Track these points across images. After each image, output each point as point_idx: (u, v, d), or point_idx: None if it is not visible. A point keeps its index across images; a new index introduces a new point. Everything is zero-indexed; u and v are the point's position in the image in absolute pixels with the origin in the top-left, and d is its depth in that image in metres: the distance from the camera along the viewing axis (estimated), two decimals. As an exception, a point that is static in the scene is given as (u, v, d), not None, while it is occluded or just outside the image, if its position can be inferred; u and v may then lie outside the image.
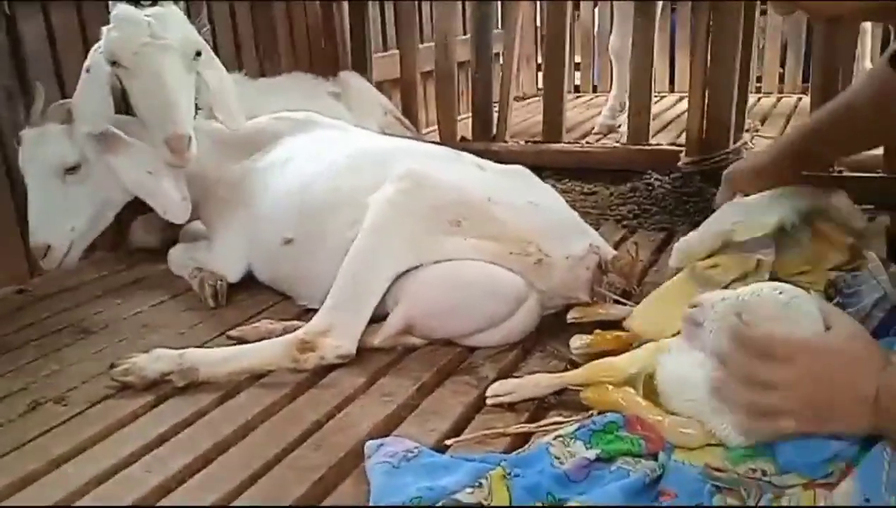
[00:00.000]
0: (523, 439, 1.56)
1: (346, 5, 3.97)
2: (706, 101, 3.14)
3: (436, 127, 3.91)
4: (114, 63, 2.29)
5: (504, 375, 1.83)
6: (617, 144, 3.60)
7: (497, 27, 4.20)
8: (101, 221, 2.46)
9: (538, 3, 5.38)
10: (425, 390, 1.80)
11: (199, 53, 2.38)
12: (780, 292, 1.40)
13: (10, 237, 2.57)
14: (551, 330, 2.02)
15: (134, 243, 2.88)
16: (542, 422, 1.59)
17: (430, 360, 1.92)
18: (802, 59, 5.47)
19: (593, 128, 4.49)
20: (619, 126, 4.33)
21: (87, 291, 2.51)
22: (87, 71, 2.35)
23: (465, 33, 4.54)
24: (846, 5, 1.35)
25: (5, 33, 2.52)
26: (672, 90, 5.71)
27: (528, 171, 2.20)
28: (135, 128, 2.39)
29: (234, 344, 2.00)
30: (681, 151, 3.26)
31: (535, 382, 1.71)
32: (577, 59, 6.09)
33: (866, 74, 2.14)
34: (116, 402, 1.78)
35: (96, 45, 2.35)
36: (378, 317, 1.96)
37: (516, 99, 4.84)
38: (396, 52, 4.37)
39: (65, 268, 2.42)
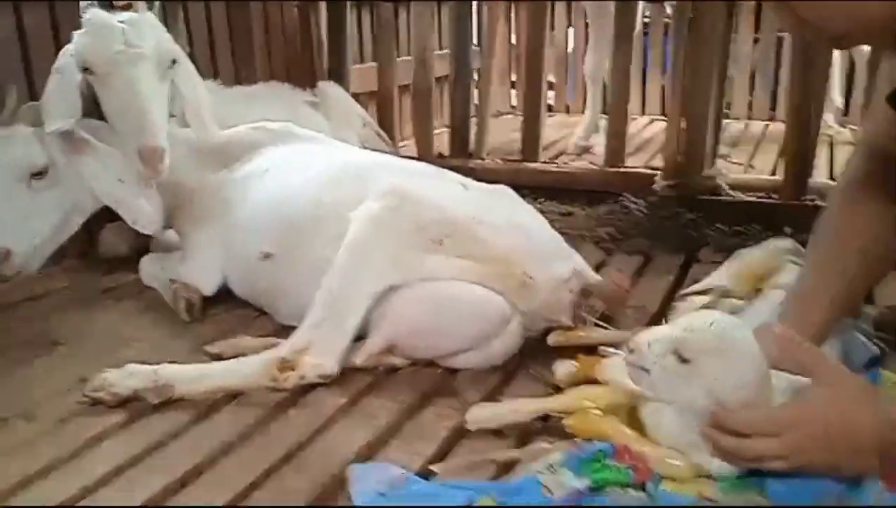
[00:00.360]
0: (510, 465, 1.54)
1: (323, 13, 3.94)
2: (681, 126, 3.18)
3: (411, 141, 3.90)
4: (85, 69, 2.23)
5: (487, 398, 1.82)
6: (593, 166, 3.62)
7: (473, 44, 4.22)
8: (67, 228, 2.38)
9: (514, 20, 5.43)
10: (408, 412, 1.78)
11: (174, 62, 2.32)
12: (712, 323, 1.40)
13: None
14: (533, 353, 2.01)
15: (104, 251, 2.80)
16: (529, 448, 1.57)
17: (413, 381, 1.89)
18: (770, 86, 5.60)
19: (567, 148, 4.52)
20: (593, 147, 4.37)
21: (56, 300, 2.44)
22: (57, 73, 2.27)
23: (440, 48, 4.55)
24: (856, 22, 1.30)
25: (-25, 32, 2.44)
26: (644, 112, 5.78)
27: (511, 190, 2.20)
28: (106, 134, 2.32)
29: (212, 360, 1.95)
30: (656, 175, 3.30)
31: (516, 408, 1.70)
32: (550, 77, 6.13)
33: (847, 202, 1.73)
34: (86, 419, 1.72)
35: (66, 48, 2.29)
36: (359, 336, 1.93)
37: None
38: (373, 64, 4.37)
39: (24, 274, 2.33)
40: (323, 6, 3.92)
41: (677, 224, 3.04)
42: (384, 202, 1.96)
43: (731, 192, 3.21)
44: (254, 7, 3.57)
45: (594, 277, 2.05)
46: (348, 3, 3.96)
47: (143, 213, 2.28)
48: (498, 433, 1.67)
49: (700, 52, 3.06)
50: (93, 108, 2.33)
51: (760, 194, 3.20)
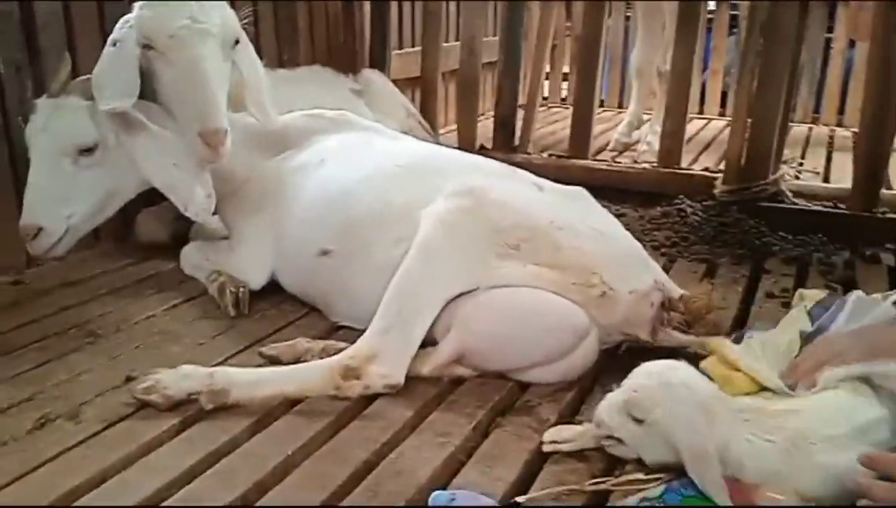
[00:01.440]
0: (600, 495, 1.41)
1: (367, 4, 3.79)
2: (748, 128, 3.02)
3: (451, 129, 3.75)
4: (146, 45, 2.07)
5: (564, 418, 1.69)
6: (647, 166, 3.47)
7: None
8: (104, 211, 2.25)
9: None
10: (481, 429, 1.64)
11: (237, 42, 2.17)
12: (651, 375, 1.45)
13: (8, 223, 2.33)
14: (609, 368, 1.87)
15: (141, 236, 2.67)
16: (622, 479, 1.44)
17: (482, 395, 1.75)
18: (815, 88, 5.43)
19: (608, 144, 4.37)
20: (636, 144, 4.22)
21: (92, 287, 2.30)
22: (114, 45, 2.12)
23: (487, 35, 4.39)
24: None
25: (17, 2, 2.29)
26: (701, 113, 5.60)
27: (587, 193, 2.05)
28: (157, 114, 2.18)
29: (266, 363, 1.81)
30: (716, 178, 3.15)
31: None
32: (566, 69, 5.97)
33: None
34: (136, 423, 1.59)
35: (125, 19, 2.14)
36: (424, 342, 1.79)
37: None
38: (412, 50, 4.23)
39: (52, 256, 2.20)
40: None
41: (739, 231, 2.89)
42: (458, 202, 1.82)
43: (795, 200, 3.06)
44: (298, -1, 3.42)
45: (676, 290, 1.91)
46: (392, -12, 3.82)
47: (196, 200, 2.13)
48: (581, 456, 1.54)
49: (774, 54, 2.89)
50: (145, 87, 2.17)
51: (827, 204, 3.05)
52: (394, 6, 3.98)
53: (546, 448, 1.55)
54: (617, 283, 1.81)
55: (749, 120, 3.01)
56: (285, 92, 2.91)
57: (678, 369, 1.46)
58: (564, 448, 1.54)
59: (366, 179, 2.05)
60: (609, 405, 1.48)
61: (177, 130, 2.12)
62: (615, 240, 1.93)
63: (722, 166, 3.56)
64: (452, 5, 4.49)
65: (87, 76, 2.15)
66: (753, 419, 1.40)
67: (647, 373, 1.46)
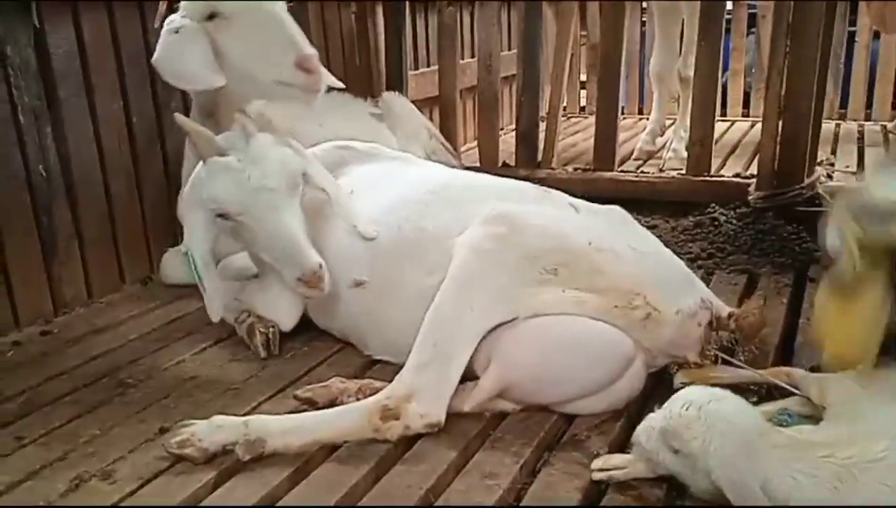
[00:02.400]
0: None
1: (381, 22, 3.75)
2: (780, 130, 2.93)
3: (471, 146, 3.68)
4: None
5: (617, 451, 1.61)
6: (676, 174, 3.38)
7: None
8: None
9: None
10: (529, 468, 1.57)
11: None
12: (687, 407, 1.40)
13: (34, 272, 2.33)
14: (656, 392, 1.79)
15: (166, 277, 2.63)
16: (683, 517, 1.36)
17: (526, 430, 1.68)
18: (840, 83, 5.30)
19: (632, 153, 4.28)
20: (660, 151, 4.13)
21: (120, 333, 2.26)
22: (176, 32, 2.14)
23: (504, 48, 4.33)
24: None
25: (32, 47, 2.27)
26: (723, 116, 5.49)
27: (624, 211, 1.98)
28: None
29: (301, 406, 1.75)
30: (749, 184, 3.05)
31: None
32: (584, 77, 5.90)
33: None
34: (171, 479, 1.54)
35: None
36: (464, 377, 1.72)
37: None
38: (428, 69, 4.18)
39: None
40: (380, 11, 3.74)
41: (778, 239, 2.79)
42: (491, 230, 1.76)
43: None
44: (312, 13, 3.38)
45: (724, 308, 1.83)
46: (406, 7, 3.78)
47: (212, 304, 2.01)
48: (633, 489, 1.47)
49: (802, 53, 2.80)
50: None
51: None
52: (408, 25, 3.93)
53: (596, 477, 1.49)
54: (662, 304, 1.74)
55: (780, 122, 2.91)
56: (310, 124, 2.89)
57: (720, 400, 1.40)
58: (616, 475, 1.48)
59: (397, 207, 2.00)
60: (647, 430, 1.44)
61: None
62: (657, 259, 1.86)
63: (753, 171, 3.48)
64: (466, 21, 4.45)
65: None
66: (797, 454, 1.35)
67: (688, 402, 1.41)
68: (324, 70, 2.16)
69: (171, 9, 2.27)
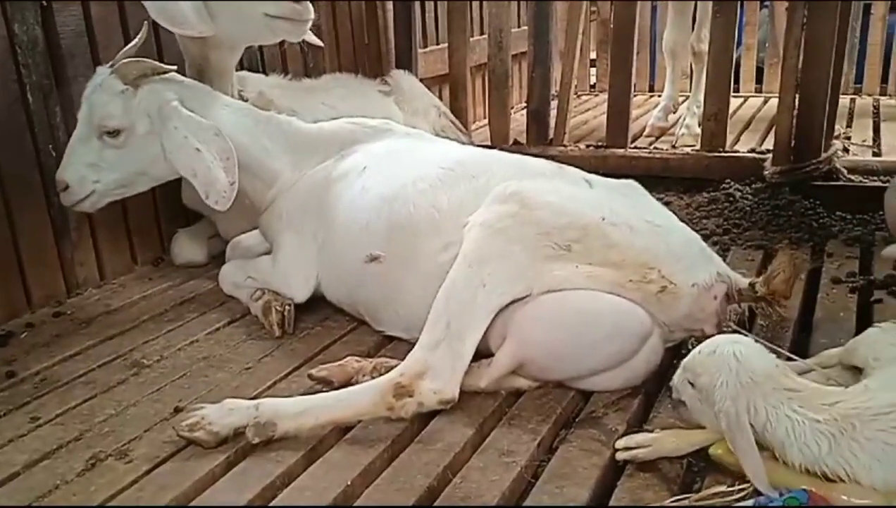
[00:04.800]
0: (683, 513, 1.32)
1: (389, 2, 3.71)
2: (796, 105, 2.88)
3: (482, 124, 3.63)
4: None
5: (633, 427, 1.59)
6: (690, 150, 3.34)
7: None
8: (131, 187, 2.22)
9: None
10: (546, 445, 1.56)
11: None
12: (709, 344, 1.48)
13: (46, 253, 2.32)
14: (674, 368, 1.76)
15: (177, 257, 2.63)
16: (704, 494, 1.34)
17: (543, 407, 1.67)
18: (856, 60, 5.21)
19: (644, 130, 4.23)
20: (672, 127, 4.08)
21: (133, 314, 2.26)
22: None
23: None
24: None
25: (41, 26, 2.25)
26: (736, 91, 5.41)
27: (639, 186, 1.95)
28: (192, 98, 2.15)
29: (316, 386, 1.74)
30: (764, 160, 3.01)
31: (675, 437, 1.48)
32: (593, 55, 5.82)
33: None
34: (187, 460, 1.53)
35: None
36: (479, 353, 1.71)
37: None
38: (438, 47, 4.13)
39: (79, 210, 2.20)
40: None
41: (795, 214, 2.75)
42: (502, 207, 1.73)
43: (850, 176, 2.91)
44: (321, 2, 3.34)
45: (742, 280, 1.80)
46: (415, -17, 3.74)
47: (218, 186, 2.05)
48: (655, 468, 1.45)
49: (819, 26, 2.75)
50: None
51: (884, 179, 2.89)
52: (417, 4, 3.88)
53: (620, 457, 1.47)
54: (677, 277, 1.71)
55: (797, 96, 2.86)
56: (313, 102, 2.87)
57: (737, 342, 1.46)
58: (640, 453, 1.46)
59: (411, 183, 1.97)
60: (678, 371, 1.52)
61: None
62: (672, 233, 1.83)
63: (767, 146, 3.43)
64: (476, -1, 4.40)
65: (137, 59, 2.11)
66: (801, 398, 1.38)
67: (711, 341, 1.50)
68: (310, 4, 2.19)
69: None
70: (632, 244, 1.72)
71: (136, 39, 2.17)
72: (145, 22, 2.19)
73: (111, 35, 2.44)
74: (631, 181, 1.94)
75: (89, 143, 2.12)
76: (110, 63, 2.13)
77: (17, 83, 2.20)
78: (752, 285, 1.75)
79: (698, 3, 3.95)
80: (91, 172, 2.14)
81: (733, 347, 1.44)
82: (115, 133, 2.10)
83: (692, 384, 1.45)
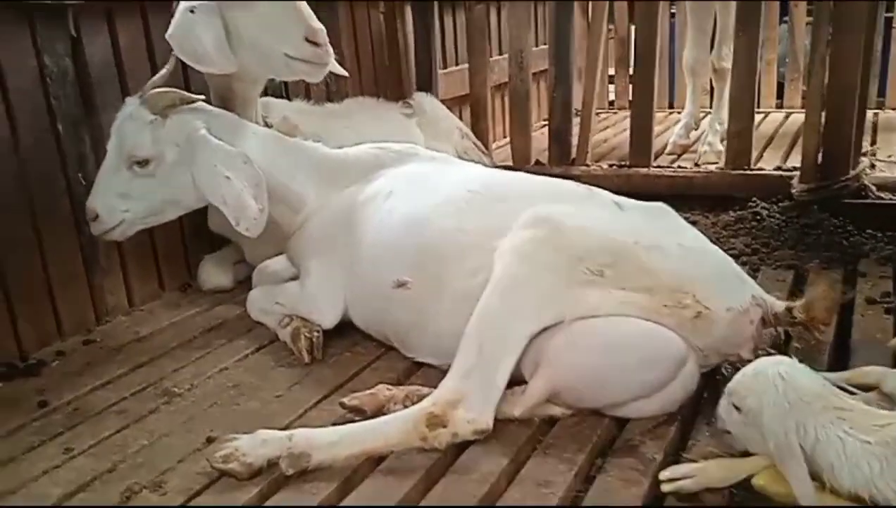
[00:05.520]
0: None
1: (410, 22, 3.73)
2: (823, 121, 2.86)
3: (502, 143, 3.62)
4: None
5: (673, 456, 1.57)
6: (714, 169, 3.32)
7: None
8: (160, 215, 2.24)
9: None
10: (583, 475, 1.53)
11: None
12: (754, 366, 1.47)
13: (76, 281, 2.34)
14: (710, 393, 1.75)
15: (204, 283, 2.64)
16: (749, 526, 1.32)
17: (578, 435, 1.65)
18: (878, 73, 5.16)
19: (665, 147, 4.20)
20: (694, 145, 4.06)
21: (162, 341, 2.26)
22: (192, 11, 2.16)
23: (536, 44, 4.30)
24: None
25: (70, 57, 2.28)
26: (757, 107, 5.37)
27: (670, 208, 1.93)
28: (220, 127, 2.16)
29: (348, 415, 1.73)
30: (791, 177, 2.99)
31: (719, 467, 1.46)
32: (611, 71, 5.81)
33: None
34: (221, 493, 1.52)
35: None
36: (511, 381, 1.69)
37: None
38: (457, 68, 4.15)
39: (109, 239, 2.23)
40: (409, 11, 3.72)
41: (825, 232, 2.72)
42: (532, 232, 1.72)
43: (880, 194, 2.88)
44: (342, 14, 3.36)
45: (778, 304, 1.77)
46: (435, 6, 3.75)
47: (248, 213, 2.05)
48: (695, 498, 1.43)
49: (846, 41, 2.73)
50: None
51: (915, 196, 2.86)
52: (437, 25, 3.90)
53: (665, 488, 1.44)
54: (712, 301, 1.69)
55: (823, 113, 2.84)
56: (336, 126, 2.88)
57: (781, 362, 1.46)
58: (685, 484, 1.44)
59: (438, 206, 1.97)
60: (723, 398, 1.51)
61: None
62: (705, 256, 1.81)
63: (791, 163, 3.40)
64: (493, 17, 4.41)
65: (163, 89, 2.14)
66: (852, 419, 1.36)
67: (754, 363, 1.48)
68: (330, 49, 2.22)
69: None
70: (665, 269, 1.70)
71: (164, 70, 2.20)
72: (173, 53, 2.21)
73: (138, 65, 2.46)
74: (661, 204, 1.93)
75: (119, 172, 2.14)
76: (139, 93, 2.15)
77: (48, 113, 2.22)
78: (789, 309, 1.72)
79: (718, 20, 3.94)
80: (120, 202, 2.15)
81: (778, 367, 1.43)
82: (144, 163, 2.12)
83: (738, 409, 1.44)
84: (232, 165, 2.06)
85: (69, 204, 2.30)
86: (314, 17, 2.21)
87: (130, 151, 2.12)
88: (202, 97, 2.20)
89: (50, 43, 2.20)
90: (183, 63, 2.27)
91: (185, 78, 2.52)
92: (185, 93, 2.17)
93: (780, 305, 1.76)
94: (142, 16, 2.48)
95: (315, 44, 2.17)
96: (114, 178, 2.15)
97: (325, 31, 2.20)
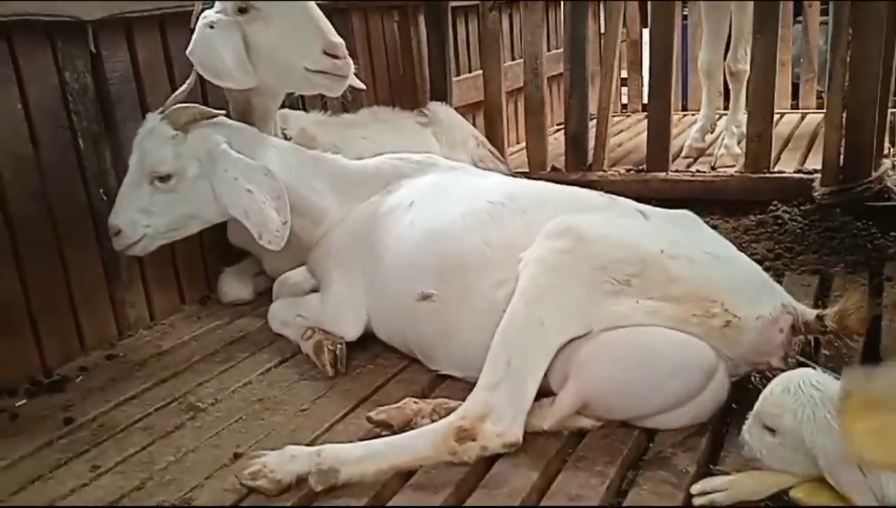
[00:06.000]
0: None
1: (423, 30, 3.73)
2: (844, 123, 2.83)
3: (516, 149, 3.60)
4: (242, 10, 2.22)
5: (703, 468, 1.55)
6: (734, 172, 3.29)
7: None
8: (182, 230, 2.24)
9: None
10: (614, 488, 1.52)
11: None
12: (779, 382, 1.42)
13: (98, 297, 2.34)
14: (740, 403, 1.72)
15: (224, 296, 2.63)
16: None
17: (608, 447, 1.63)
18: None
19: (680, 151, 4.17)
20: (710, 148, 4.03)
21: (185, 355, 2.26)
22: (211, 27, 2.19)
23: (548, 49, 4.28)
24: None
25: (90, 73, 2.28)
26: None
27: (695, 216, 1.91)
28: (239, 140, 2.17)
29: (375, 430, 1.72)
30: (812, 180, 2.96)
31: (753, 479, 1.43)
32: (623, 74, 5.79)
33: None
34: None
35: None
36: (539, 393, 1.67)
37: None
38: (471, 74, 4.15)
39: (130, 253, 2.22)
40: (422, 19, 3.72)
41: (848, 236, 2.69)
42: (557, 243, 1.71)
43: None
44: (356, 24, 3.36)
45: (808, 311, 1.75)
46: (448, 13, 3.75)
47: (270, 226, 2.05)
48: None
49: (866, 41, 2.70)
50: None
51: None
52: (450, 33, 3.90)
53: (698, 502, 1.43)
54: (741, 310, 1.67)
55: (844, 114, 2.81)
56: (353, 137, 2.88)
57: (806, 374, 1.42)
58: (718, 498, 1.42)
59: (460, 218, 1.96)
60: (748, 421, 1.45)
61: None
62: (733, 264, 1.79)
63: (810, 165, 3.37)
64: (506, 23, 4.40)
65: (184, 104, 2.14)
66: None
67: (778, 383, 1.43)
68: (350, 61, 2.24)
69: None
70: (692, 277, 1.69)
71: (185, 85, 2.20)
72: (193, 68, 2.22)
73: (157, 80, 2.47)
74: (687, 212, 1.91)
75: (140, 188, 2.15)
76: (160, 109, 2.16)
77: (69, 130, 2.23)
78: (820, 317, 1.70)
79: (733, 21, 3.91)
80: (142, 217, 2.16)
81: (807, 378, 1.39)
82: (166, 178, 2.12)
83: (771, 431, 1.39)
84: (253, 179, 2.06)
85: (91, 220, 2.31)
86: (333, 30, 2.22)
87: (152, 166, 2.12)
88: (223, 112, 2.20)
89: (70, 60, 2.22)
90: (201, 77, 2.28)
91: (204, 93, 2.52)
92: (206, 108, 2.17)
93: (810, 313, 1.74)
94: (160, 31, 2.49)
95: (334, 57, 2.17)
96: (136, 193, 2.15)
97: (344, 44, 2.21)
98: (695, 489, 1.44)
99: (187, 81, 2.21)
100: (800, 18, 5.28)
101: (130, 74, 2.41)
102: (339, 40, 2.22)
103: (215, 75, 2.20)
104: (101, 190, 2.31)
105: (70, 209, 2.25)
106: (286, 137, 2.56)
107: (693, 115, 4.92)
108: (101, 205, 2.29)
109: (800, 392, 1.37)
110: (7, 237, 2.09)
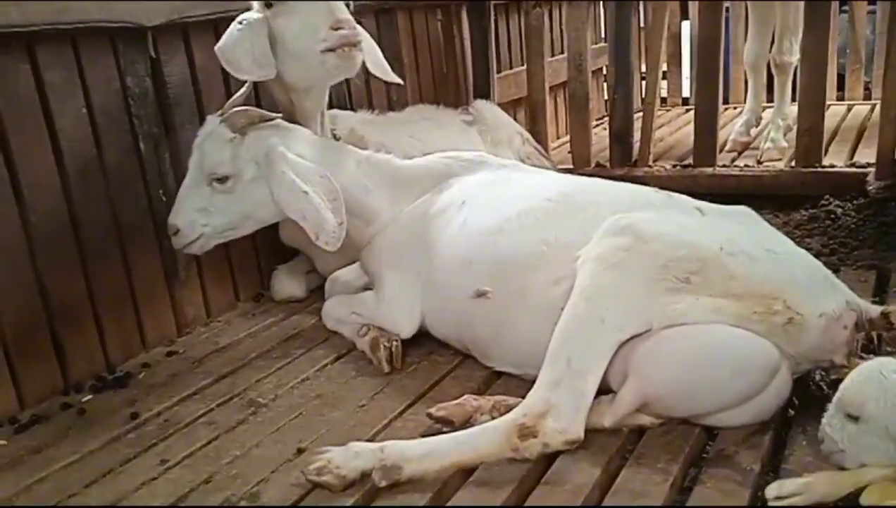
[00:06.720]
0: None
1: (467, 29, 3.75)
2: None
3: (559, 143, 3.58)
4: (268, 4, 2.27)
5: (767, 467, 1.54)
6: (784, 167, 3.25)
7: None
8: (239, 229, 2.28)
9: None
10: (678, 486, 1.52)
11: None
12: (862, 370, 1.44)
13: (158, 295, 2.40)
14: (805, 402, 1.71)
15: (277, 293, 2.68)
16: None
17: (668, 445, 1.63)
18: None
19: (724, 145, 4.11)
20: (755, 141, 3.97)
21: (242, 351, 2.31)
22: (240, 24, 2.25)
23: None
24: None
25: (151, 78, 2.34)
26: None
27: (753, 212, 1.90)
28: (293, 139, 2.22)
29: (435, 426, 1.74)
30: (866, 174, 2.91)
31: (828, 481, 1.42)
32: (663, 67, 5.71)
33: None
34: (316, 502, 1.54)
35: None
36: (598, 390, 1.68)
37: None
38: (513, 71, 4.15)
39: (188, 252, 2.28)
40: (465, 18, 3.73)
41: (905, 230, 2.64)
42: (616, 240, 1.71)
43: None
44: (401, 25, 3.38)
45: (872, 308, 1.73)
46: (491, 11, 3.76)
47: (327, 227, 2.07)
48: (799, 510, 1.40)
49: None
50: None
51: None
52: (493, 30, 3.91)
53: (772, 504, 1.41)
54: (803, 307, 1.65)
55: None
56: (400, 135, 2.90)
57: (885, 363, 1.43)
58: (795, 501, 1.40)
59: (515, 216, 1.97)
60: (828, 413, 1.47)
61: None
62: (794, 261, 1.77)
63: (860, 158, 3.31)
64: (546, 19, 4.39)
65: (242, 108, 2.19)
66: None
67: (858, 370, 1.45)
68: (360, 29, 2.28)
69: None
70: (753, 274, 1.67)
71: (244, 89, 2.25)
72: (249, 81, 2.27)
73: (213, 84, 2.52)
74: (745, 208, 1.90)
75: (199, 189, 2.20)
76: (219, 112, 2.20)
77: (131, 133, 2.29)
78: (885, 314, 1.68)
79: (779, 13, 3.85)
80: (200, 217, 2.20)
81: (888, 367, 1.41)
82: (224, 179, 2.17)
83: (854, 419, 1.40)
84: (310, 180, 2.09)
85: (151, 220, 2.37)
86: (343, 8, 2.26)
87: (211, 168, 2.16)
88: (280, 115, 2.24)
89: (132, 64, 2.27)
90: (255, 83, 2.32)
91: (257, 96, 2.56)
92: (264, 112, 2.21)
93: (875, 310, 1.72)
94: (215, 36, 2.53)
95: (340, 28, 2.21)
96: (194, 194, 2.20)
97: (352, 20, 2.25)
98: (769, 493, 1.42)
99: (245, 86, 2.26)
100: (845, 8, 5.16)
101: (188, 77, 2.46)
102: (347, 16, 2.24)
103: (235, 69, 2.25)
104: (160, 191, 2.37)
105: (131, 210, 2.31)
106: (336, 138, 2.59)
107: (735, 108, 4.86)
108: (161, 206, 2.35)
109: (882, 380, 1.39)
110: (73, 238, 2.15)
